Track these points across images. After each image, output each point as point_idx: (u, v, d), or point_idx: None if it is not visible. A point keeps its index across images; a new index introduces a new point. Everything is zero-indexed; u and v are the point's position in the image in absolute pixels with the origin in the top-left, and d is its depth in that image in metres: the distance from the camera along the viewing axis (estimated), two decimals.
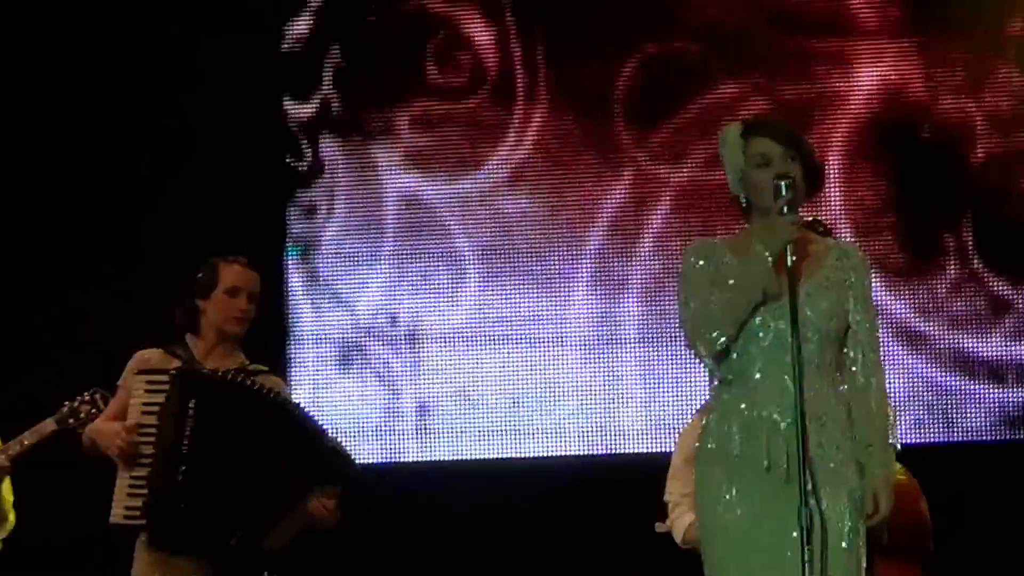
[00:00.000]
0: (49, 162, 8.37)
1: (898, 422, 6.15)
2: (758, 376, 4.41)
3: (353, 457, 5.67)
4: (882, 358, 4.50)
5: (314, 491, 5.48)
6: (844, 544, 4.33)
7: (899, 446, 4.87)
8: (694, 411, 5.74)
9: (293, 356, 8.35)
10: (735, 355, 4.45)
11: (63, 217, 8.23)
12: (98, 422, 5.60)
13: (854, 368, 4.45)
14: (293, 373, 8.28)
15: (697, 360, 4.98)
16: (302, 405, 5.65)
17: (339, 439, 5.64)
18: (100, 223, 8.15)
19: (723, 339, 4.42)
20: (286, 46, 8.49)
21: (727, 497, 4.42)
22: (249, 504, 5.36)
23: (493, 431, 8.14)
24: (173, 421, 5.34)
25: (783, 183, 4.32)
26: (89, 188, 8.25)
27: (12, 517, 6.18)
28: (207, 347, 5.57)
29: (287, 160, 8.45)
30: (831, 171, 7.65)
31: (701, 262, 4.49)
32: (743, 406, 4.42)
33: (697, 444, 4.84)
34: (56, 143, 8.39)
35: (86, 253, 8.15)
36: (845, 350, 4.45)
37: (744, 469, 4.40)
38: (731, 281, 4.44)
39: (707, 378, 5.15)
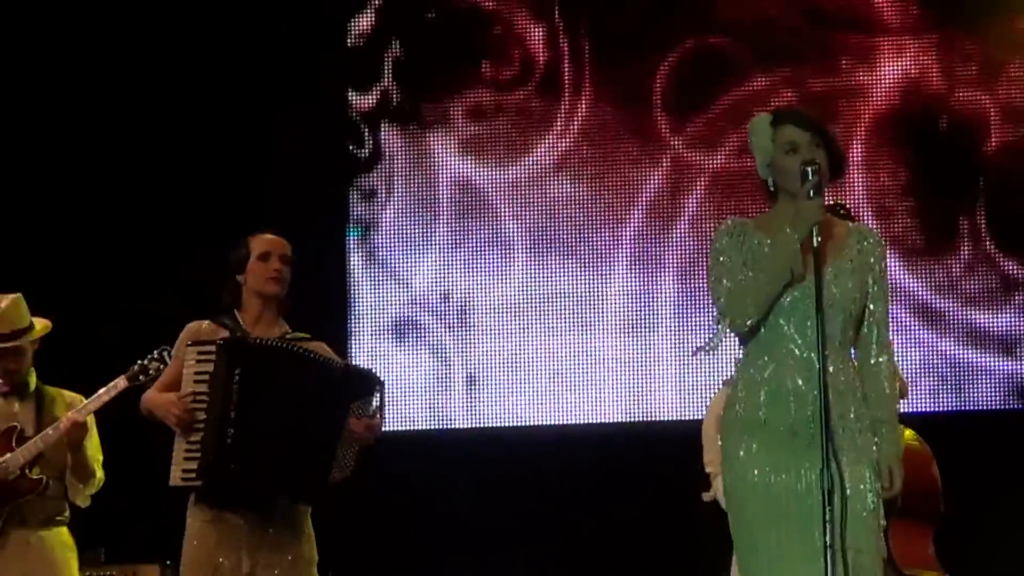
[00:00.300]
0: (137, 145, 8.43)
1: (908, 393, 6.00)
2: (785, 350, 4.41)
3: (375, 371, 5.60)
4: (891, 336, 4.52)
5: (351, 413, 5.44)
6: (870, 506, 4.35)
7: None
8: (722, 382, 5.80)
9: (353, 329, 8.41)
10: (764, 330, 4.45)
11: (150, 197, 8.28)
12: (152, 393, 5.61)
13: (871, 346, 4.47)
14: (352, 345, 8.36)
15: (727, 334, 5.27)
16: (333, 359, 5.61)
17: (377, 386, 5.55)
18: (179, 204, 8.22)
19: (753, 316, 4.44)
20: (350, 41, 8.54)
21: (752, 459, 4.44)
22: (294, 458, 5.36)
23: (536, 400, 8.21)
24: (221, 388, 5.35)
25: (810, 168, 4.34)
26: (171, 172, 8.31)
27: (100, 474, 6.17)
28: (253, 317, 5.56)
29: (349, 148, 8.51)
30: (855, 158, 7.67)
31: (733, 241, 4.52)
32: (770, 376, 4.43)
33: (723, 411, 4.87)
34: (147, 131, 8.43)
35: (166, 231, 8.20)
36: (863, 328, 4.47)
37: (769, 434, 4.42)
38: (761, 261, 4.43)
39: (736, 351, 5.53)
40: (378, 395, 5.47)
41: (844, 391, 4.39)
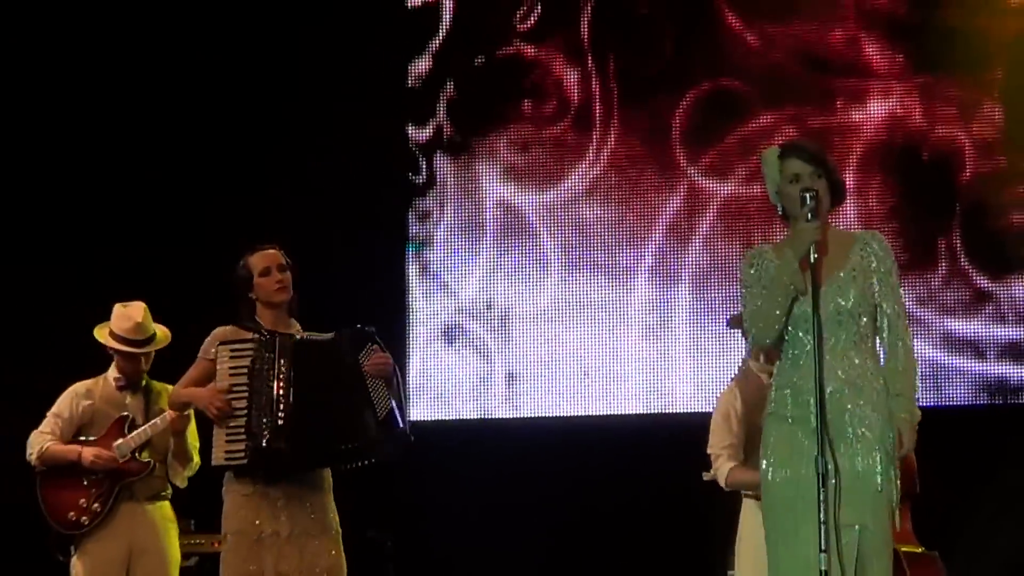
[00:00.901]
0: (217, 170, 8.48)
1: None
2: (803, 354, 4.47)
3: (372, 328, 5.61)
4: (908, 324, 4.50)
5: (362, 363, 5.51)
6: (878, 488, 4.41)
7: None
8: (730, 379, 5.84)
9: (409, 333, 8.52)
10: (787, 337, 4.52)
11: (227, 215, 8.25)
12: (185, 388, 5.61)
13: (884, 336, 4.48)
14: (409, 345, 8.45)
15: (739, 338, 5.39)
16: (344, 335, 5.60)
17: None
18: (262, 228, 7.98)
19: (771, 333, 4.51)
20: (410, 82, 8.67)
21: (777, 450, 4.51)
22: (328, 431, 5.44)
23: (567, 394, 8.31)
24: (266, 379, 5.43)
25: (808, 195, 4.42)
26: (254, 197, 8.34)
27: (196, 459, 6.21)
28: (269, 322, 5.61)
29: (408, 175, 8.61)
30: (848, 185, 6.86)
31: (752, 270, 4.58)
32: (795, 378, 4.50)
33: (735, 405, 5.25)
34: (223, 159, 8.50)
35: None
36: (877, 323, 4.49)
37: (792, 428, 4.49)
38: (768, 283, 4.50)
39: (741, 352, 5.60)
40: (374, 342, 5.53)
41: (862, 385, 4.45)
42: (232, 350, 5.53)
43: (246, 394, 5.45)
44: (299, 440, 5.40)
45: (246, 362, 5.48)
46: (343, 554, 5.58)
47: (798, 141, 5.12)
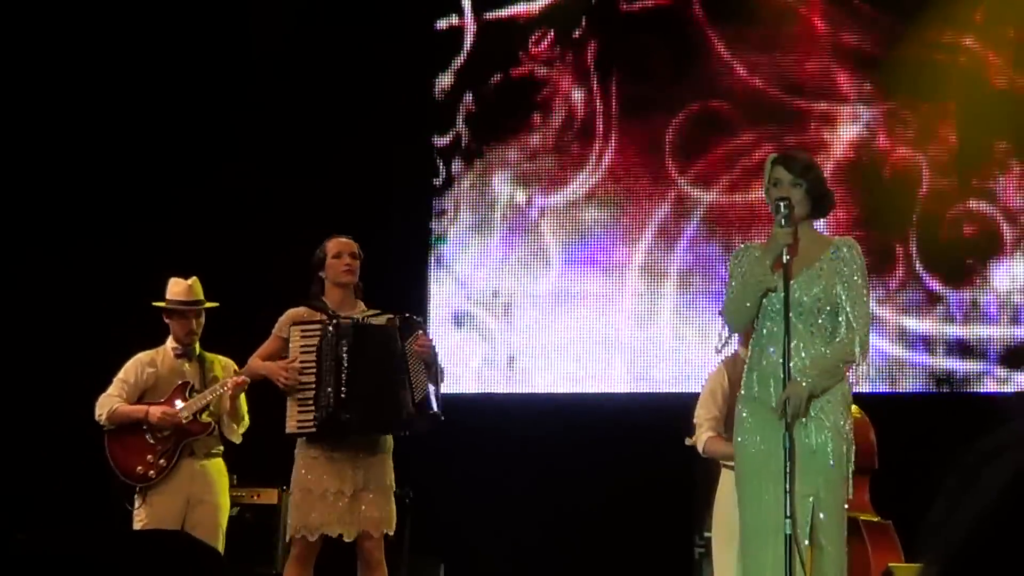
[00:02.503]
0: (253, 175, 8.27)
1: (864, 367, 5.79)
2: (770, 342, 4.47)
3: (420, 318, 5.76)
4: (868, 325, 4.43)
5: (407, 346, 5.58)
6: (830, 463, 4.41)
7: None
8: (713, 365, 5.80)
9: (428, 318, 8.33)
10: (757, 327, 4.51)
11: (280, 208, 8.15)
12: (259, 361, 5.68)
13: (842, 331, 4.44)
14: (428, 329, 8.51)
15: (717, 329, 5.26)
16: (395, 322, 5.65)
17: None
18: (305, 221, 7.82)
19: (741, 321, 4.55)
20: (435, 95, 8.50)
21: (745, 427, 4.53)
22: (381, 403, 5.53)
23: (563, 375, 8.24)
24: (332, 356, 5.50)
25: (781, 203, 4.39)
26: (297, 200, 8.14)
27: (247, 418, 6.25)
28: (336, 302, 5.68)
29: (431, 179, 8.50)
30: None
31: (735, 264, 4.56)
32: (763, 362, 4.50)
33: (723, 383, 5.20)
34: (282, 159, 8.30)
35: (289, 242, 7.76)
36: (839, 319, 4.43)
37: (759, 407, 4.50)
38: (743, 279, 4.48)
39: (719, 341, 5.45)
40: (423, 329, 5.69)
41: (815, 370, 4.42)
42: (303, 330, 5.58)
43: (314, 370, 5.52)
44: (357, 411, 5.49)
45: (315, 341, 5.53)
46: (394, 507, 5.66)
47: (789, 151, 5.07)
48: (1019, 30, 7.78)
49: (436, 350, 5.67)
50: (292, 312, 5.72)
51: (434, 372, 5.60)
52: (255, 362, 5.72)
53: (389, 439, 5.67)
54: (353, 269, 5.69)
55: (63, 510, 7.21)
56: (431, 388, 5.59)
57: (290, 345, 5.59)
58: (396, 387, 5.55)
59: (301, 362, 5.54)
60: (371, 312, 5.72)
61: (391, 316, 5.69)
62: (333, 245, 5.71)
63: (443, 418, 5.62)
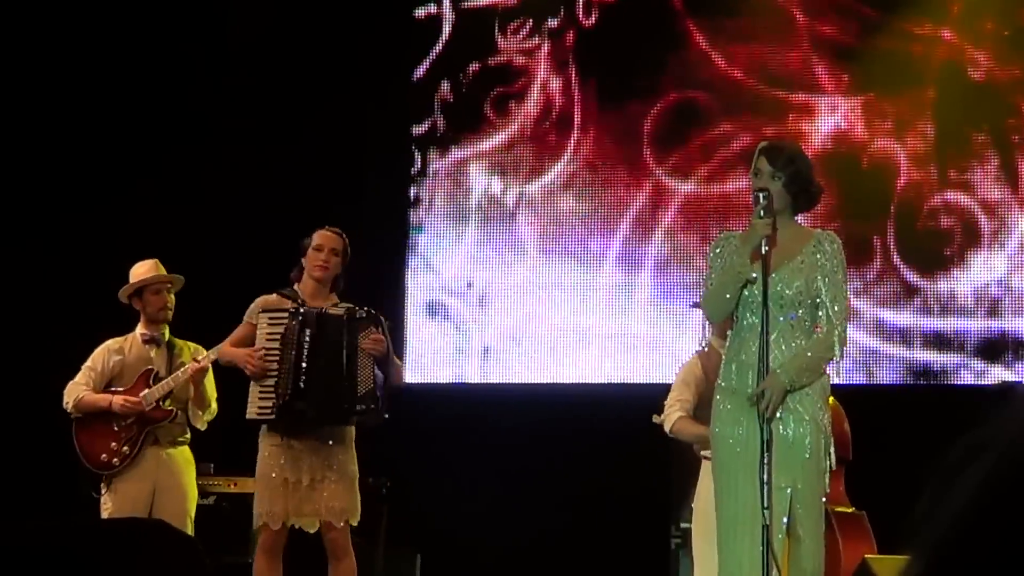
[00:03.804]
0: (243, 172, 8.23)
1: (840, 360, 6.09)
2: (749, 334, 4.48)
3: (374, 312, 5.68)
4: (847, 320, 4.48)
5: (360, 341, 5.59)
6: (807, 455, 4.45)
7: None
8: (688, 355, 5.80)
9: (404, 307, 8.40)
10: (736, 318, 4.53)
11: (259, 207, 8.09)
12: (228, 347, 5.70)
13: (822, 324, 4.46)
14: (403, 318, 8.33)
15: (693, 319, 5.56)
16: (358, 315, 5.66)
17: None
18: (276, 210, 7.99)
19: (719, 313, 4.57)
20: (411, 83, 8.42)
21: (723, 416, 4.56)
22: (337, 392, 5.55)
23: (536, 364, 8.26)
24: (294, 344, 5.55)
25: (760, 195, 4.40)
26: (273, 188, 8.11)
27: (214, 406, 6.27)
28: (309, 292, 5.68)
29: (407, 167, 8.45)
30: None
31: (718, 250, 4.56)
32: (741, 354, 4.51)
33: (696, 373, 5.22)
34: (252, 148, 8.24)
35: (264, 229, 7.89)
36: (819, 313, 4.46)
37: (736, 397, 4.52)
38: (722, 269, 4.48)
39: (695, 331, 5.81)
40: (380, 326, 5.65)
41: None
42: (270, 318, 5.63)
43: (277, 358, 5.57)
44: (312, 401, 5.53)
45: (280, 329, 5.58)
46: (358, 496, 5.67)
47: (775, 142, 5.03)
48: (996, 22, 7.81)
49: (390, 347, 5.66)
50: (262, 299, 5.75)
51: (385, 369, 5.60)
52: (225, 348, 5.75)
53: (350, 429, 5.67)
54: (328, 266, 5.68)
55: (30, 499, 7.18)
56: (376, 384, 5.58)
57: (258, 332, 5.63)
58: (344, 379, 5.57)
59: (266, 349, 5.58)
60: (343, 305, 5.73)
61: (349, 307, 5.69)
62: (318, 236, 5.71)
63: (387, 416, 5.64)
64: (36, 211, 8.28)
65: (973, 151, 7.80)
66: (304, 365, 5.53)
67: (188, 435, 6.28)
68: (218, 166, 8.28)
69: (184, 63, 8.36)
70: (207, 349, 6.21)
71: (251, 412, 5.60)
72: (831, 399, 4.92)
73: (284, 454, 5.58)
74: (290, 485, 5.55)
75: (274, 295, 5.74)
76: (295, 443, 5.57)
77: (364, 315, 5.64)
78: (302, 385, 5.51)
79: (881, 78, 7.89)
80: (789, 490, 4.40)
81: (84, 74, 8.35)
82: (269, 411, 5.54)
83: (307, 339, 5.53)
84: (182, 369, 6.15)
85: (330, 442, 5.59)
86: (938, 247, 7.79)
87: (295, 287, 5.74)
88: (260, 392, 5.57)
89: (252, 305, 5.75)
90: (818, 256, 4.47)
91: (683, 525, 6.25)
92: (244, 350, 5.63)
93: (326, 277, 5.70)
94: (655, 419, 5.62)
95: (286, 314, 5.59)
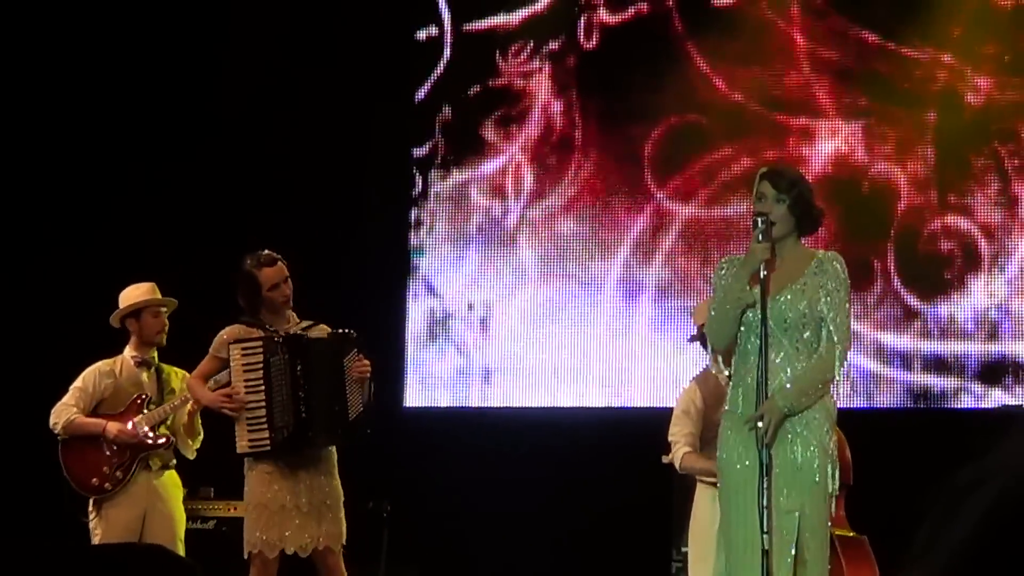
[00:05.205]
0: (248, 177, 8.29)
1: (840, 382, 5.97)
2: (755, 357, 4.45)
3: (353, 333, 5.69)
4: (849, 339, 4.45)
5: (346, 367, 5.60)
6: (815, 480, 4.43)
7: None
8: (688, 379, 5.80)
9: (405, 330, 8.45)
10: (741, 342, 4.50)
11: (246, 219, 8.10)
12: (199, 387, 5.67)
13: (823, 346, 4.43)
14: (406, 338, 8.41)
15: (696, 344, 5.30)
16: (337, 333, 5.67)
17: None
18: (281, 232, 7.74)
19: (723, 339, 4.56)
20: (414, 105, 8.48)
21: (729, 442, 4.54)
22: (332, 415, 5.57)
23: (536, 388, 8.26)
24: (285, 374, 5.53)
25: (759, 219, 4.40)
26: (273, 210, 8.16)
27: (202, 433, 6.28)
28: (270, 318, 5.64)
29: (408, 189, 8.51)
30: None
31: (723, 272, 4.56)
32: (747, 379, 4.49)
33: (695, 401, 5.23)
34: (254, 167, 8.30)
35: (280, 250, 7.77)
36: (823, 334, 4.44)
37: (741, 422, 4.50)
38: (723, 295, 4.48)
39: (695, 356, 5.62)
40: (357, 347, 5.64)
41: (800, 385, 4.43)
42: (244, 348, 5.57)
43: (263, 388, 5.53)
44: (317, 428, 5.56)
45: (258, 358, 5.54)
46: (344, 521, 5.69)
47: (778, 166, 5.09)
48: (997, 46, 7.86)
49: (370, 371, 5.68)
50: (229, 331, 5.69)
51: (366, 394, 5.62)
52: (197, 391, 5.74)
53: (333, 452, 5.70)
54: (289, 293, 5.68)
55: (12, 521, 7.20)
56: (362, 409, 5.63)
57: (232, 365, 5.60)
58: (337, 403, 5.60)
59: (246, 380, 5.55)
60: (305, 324, 5.72)
61: (331, 331, 5.71)
62: (268, 276, 5.64)
63: (369, 433, 5.68)
64: (25, 232, 8.33)
65: (973, 175, 7.85)
66: (302, 394, 5.53)
67: (175, 460, 6.31)
68: (217, 188, 8.34)
69: (182, 83, 8.41)
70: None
71: (242, 446, 5.59)
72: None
73: (279, 480, 5.58)
74: (286, 511, 5.57)
75: (237, 326, 5.69)
76: (289, 469, 5.59)
77: (347, 338, 5.65)
78: (303, 414, 5.52)
79: (881, 102, 7.95)
80: (797, 514, 4.42)
81: (65, 110, 8.39)
82: (265, 442, 5.54)
83: (299, 368, 5.53)
84: (181, 396, 6.15)
85: (322, 467, 5.63)
86: (938, 271, 7.83)
87: (258, 316, 5.69)
88: (250, 426, 5.56)
89: (217, 339, 5.69)
90: (820, 276, 4.48)
91: (683, 549, 6.22)
92: (215, 394, 5.62)
93: (290, 305, 5.71)
94: (664, 459, 5.60)
95: (259, 343, 5.56)
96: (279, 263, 5.67)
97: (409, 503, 7.46)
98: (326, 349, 5.61)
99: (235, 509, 6.73)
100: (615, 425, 7.84)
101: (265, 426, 5.51)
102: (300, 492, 5.57)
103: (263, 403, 5.52)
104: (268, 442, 5.51)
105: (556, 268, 8.33)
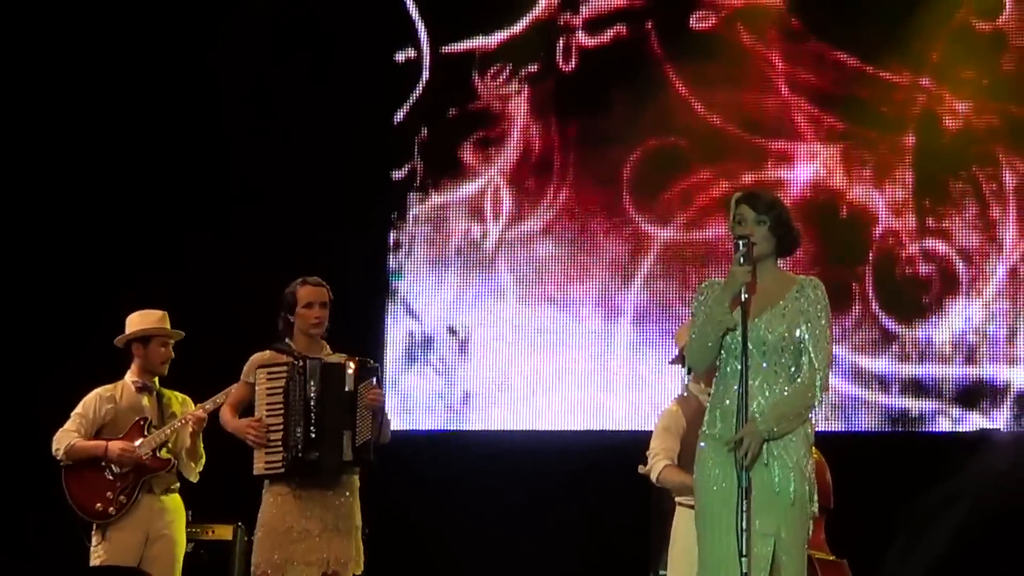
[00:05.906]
0: (233, 199, 8.32)
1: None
2: (733, 379, 4.46)
3: (375, 364, 5.81)
4: (829, 366, 4.45)
5: (360, 393, 5.67)
6: (791, 502, 4.42)
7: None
8: (668, 402, 5.74)
9: (384, 352, 8.43)
10: (721, 364, 4.51)
11: (237, 242, 8.19)
12: (230, 416, 5.70)
13: (803, 371, 4.44)
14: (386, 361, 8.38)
15: (676, 366, 5.33)
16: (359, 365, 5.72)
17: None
18: (263, 254, 8.06)
19: (702, 363, 4.57)
20: (392, 127, 8.47)
21: (705, 463, 4.53)
22: (343, 439, 5.61)
23: (515, 411, 8.29)
24: (300, 396, 5.61)
25: (741, 241, 4.40)
26: (253, 233, 8.18)
27: (204, 457, 6.29)
28: (303, 346, 5.72)
29: (387, 212, 8.51)
30: None
31: (700, 300, 4.55)
32: (725, 400, 4.50)
33: (677, 420, 5.25)
34: (240, 191, 8.33)
35: (246, 275, 7.96)
36: (802, 359, 4.44)
37: (719, 444, 4.50)
38: (702, 318, 4.49)
39: (675, 378, 5.56)
40: (375, 376, 5.81)
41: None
42: (269, 373, 5.65)
43: (282, 411, 5.59)
44: (325, 450, 5.59)
45: (281, 383, 5.61)
46: (361, 547, 5.74)
47: (754, 190, 5.06)
48: (975, 71, 7.97)
49: (384, 402, 5.76)
50: (257, 357, 5.77)
51: (377, 423, 5.67)
52: (225, 418, 5.77)
53: (356, 479, 5.74)
54: (323, 321, 5.74)
55: (17, 547, 7.23)
56: (371, 438, 5.67)
57: (256, 389, 5.67)
58: (347, 429, 5.64)
59: (268, 404, 5.62)
60: (338, 357, 5.78)
61: (349, 357, 5.76)
62: (305, 293, 5.73)
63: (374, 465, 5.73)
64: (23, 255, 8.35)
65: (951, 199, 7.91)
66: (313, 415, 5.58)
67: (178, 484, 6.32)
68: (197, 212, 8.36)
69: (159, 106, 8.43)
70: (191, 398, 6.29)
71: (258, 468, 5.63)
72: (814, 450, 4.85)
73: (292, 503, 5.61)
74: (295, 533, 5.59)
75: (267, 351, 5.76)
76: (304, 492, 5.63)
77: (365, 365, 5.71)
78: (312, 435, 5.57)
79: (860, 125, 8.01)
80: (772, 538, 4.42)
81: (52, 132, 8.43)
82: (279, 464, 5.58)
83: (313, 389, 5.58)
84: (180, 419, 6.19)
85: (339, 492, 5.67)
86: (916, 294, 7.86)
87: (287, 341, 5.76)
88: (268, 447, 5.62)
89: (247, 364, 5.77)
90: (801, 301, 4.49)
91: (662, 573, 6.18)
92: (245, 421, 5.67)
93: (322, 332, 5.77)
94: (641, 469, 5.64)
95: (284, 368, 5.63)
96: (323, 288, 5.75)
97: (388, 526, 7.33)
98: (339, 373, 5.66)
99: (213, 533, 6.81)
100: (595, 448, 7.83)
101: (280, 448, 5.58)
102: (312, 516, 5.60)
103: (281, 426, 5.58)
104: (281, 463, 5.57)
105: (535, 291, 8.35)
